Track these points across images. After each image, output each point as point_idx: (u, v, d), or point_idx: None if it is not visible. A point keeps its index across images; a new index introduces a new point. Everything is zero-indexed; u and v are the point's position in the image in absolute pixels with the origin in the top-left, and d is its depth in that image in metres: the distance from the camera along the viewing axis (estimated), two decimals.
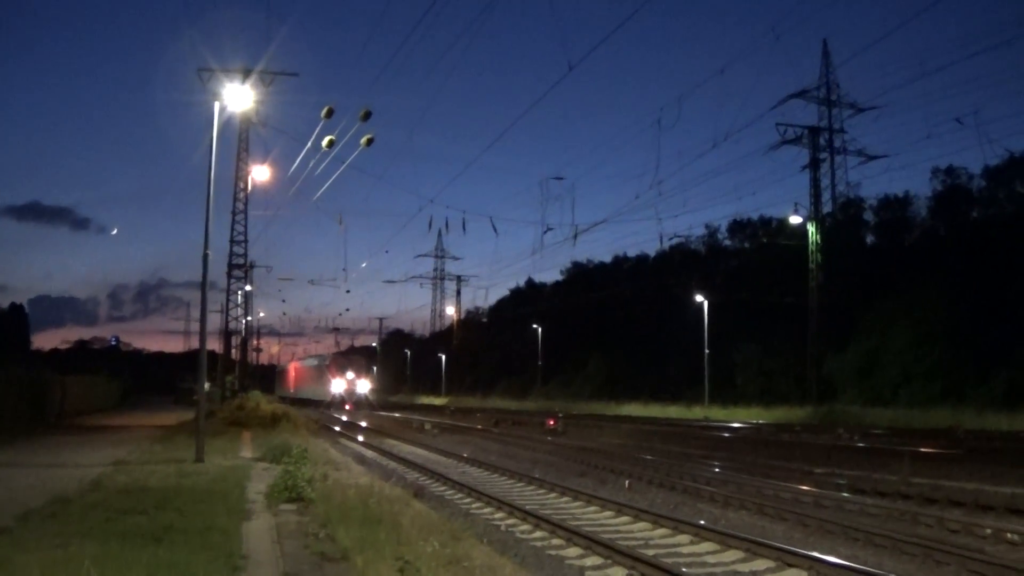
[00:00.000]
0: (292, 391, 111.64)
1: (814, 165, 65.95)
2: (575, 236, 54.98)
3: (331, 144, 32.79)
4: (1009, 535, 14.79)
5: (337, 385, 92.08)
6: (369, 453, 34.25)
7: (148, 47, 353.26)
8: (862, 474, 22.84)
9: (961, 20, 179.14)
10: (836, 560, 12.37)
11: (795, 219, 64.55)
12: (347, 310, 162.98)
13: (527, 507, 18.02)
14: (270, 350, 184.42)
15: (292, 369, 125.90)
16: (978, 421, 43.88)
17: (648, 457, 30.07)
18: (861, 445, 32.06)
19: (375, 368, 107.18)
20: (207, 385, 35.23)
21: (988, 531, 15.24)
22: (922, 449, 28.13)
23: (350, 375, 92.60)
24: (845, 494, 20.30)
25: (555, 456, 31.99)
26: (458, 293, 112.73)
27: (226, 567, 10.22)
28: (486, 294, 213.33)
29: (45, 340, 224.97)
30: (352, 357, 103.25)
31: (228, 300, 64.86)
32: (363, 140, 31.44)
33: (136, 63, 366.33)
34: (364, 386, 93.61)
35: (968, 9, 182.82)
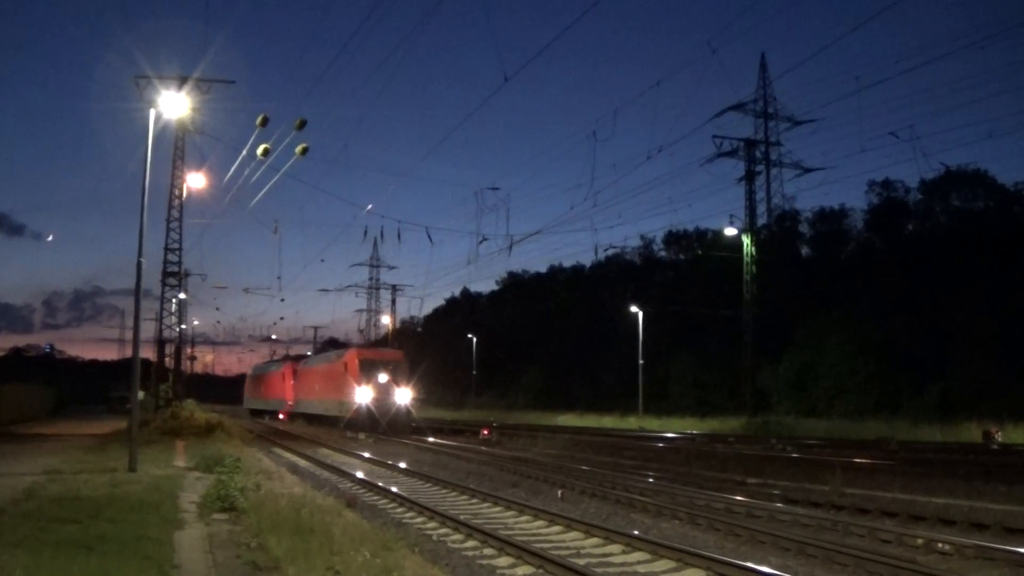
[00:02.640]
0: (289, 403, 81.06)
1: (750, 177, 66.46)
2: (510, 247, 55.12)
3: (266, 153, 32.84)
4: (941, 545, 15.03)
5: (362, 394, 57.20)
6: (302, 463, 34.16)
7: (84, 54, 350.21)
8: (795, 485, 23.13)
9: (897, 36, 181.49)
10: (767, 570, 12.48)
11: (730, 231, 65.00)
12: (281, 319, 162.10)
13: (460, 517, 18.05)
14: (204, 359, 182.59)
15: (286, 373, 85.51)
16: (912, 433, 44.44)
17: (582, 467, 30.25)
18: (795, 456, 32.37)
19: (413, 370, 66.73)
20: (140, 394, 35.06)
21: (920, 541, 15.46)
22: (855, 460, 28.47)
23: (383, 378, 58.22)
24: (778, 504, 20.50)
25: (489, 466, 32.05)
26: (393, 302, 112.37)
27: None
28: (421, 304, 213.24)
29: None
30: (385, 352, 66.09)
31: (162, 308, 64.49)
32: (298, 149, 31.59)
33: (73, 70, 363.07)
34: (404, 395, 58.70)
35: (904, 25, 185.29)
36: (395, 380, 57.98)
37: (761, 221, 68.56)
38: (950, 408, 49.30)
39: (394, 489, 23.58)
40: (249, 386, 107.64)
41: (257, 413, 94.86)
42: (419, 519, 18.78)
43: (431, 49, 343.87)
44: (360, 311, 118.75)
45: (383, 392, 57.06)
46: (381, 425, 55.30)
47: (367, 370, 57.78)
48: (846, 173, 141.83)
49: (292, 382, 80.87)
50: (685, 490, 23.12)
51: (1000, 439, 39.02)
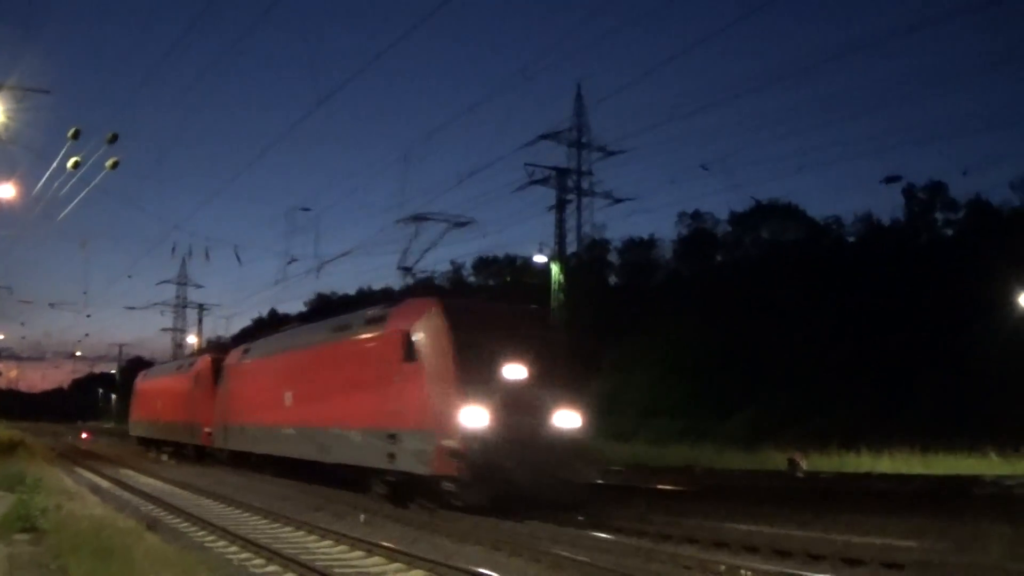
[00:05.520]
0: (207, 429, 44.49)
1: (560, 206, 67.24)
2: (319, 267, 54.63)
3: (76, 165, 32.51)
4: (743, 572, 15.38)
5: (473, 416, 22.31)
6: (104, 483, 33.77)
7: None
8: (599, 510, 23.52)
9: (709, 69, 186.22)
10: None
11: (540, 258, 65.75)
12: (87, 335, 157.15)
13: (261, 540, 18.23)
14: (9, 374, 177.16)
15: (202, 372, 47.90)
16: (718, 459, 45.48)
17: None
18: (600, 482, 33.05)
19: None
20: None
21: (723, 567, 15.75)
22: (660, 487, 29.17)
23: (517, 371, 23.47)
24: (582, 530, 20.77)
25: (293, 490, 31.90)
26: (200, 321, 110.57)
27: None
28: (227, 323, 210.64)
29: None
30: (512, 311, 26.95)
31: None
32: (108, 163, 31.33)
33: None
34: (572, 419, 23.63)
35: (716, 58, 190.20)
36: (546, 377, 24.08)
37: (571, 249, 69.44)
38: (755, 435, 50.60)
39: (196, 512, 23.60)
40: (138, 401, 66.77)
41: (150, 443, 59.88)
42: (221, 542, 18.83)
43: (248, 67, 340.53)
44: (166, 329, 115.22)
45: (523, 406, 23.35)
46: (523, 486, 22.36)
47: (475, 345, 23.71)
48: (658, 203, 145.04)
49: (225, 386, 42.27)
50: (488, 516, 22.89)
51: (805, 466, 40.10)
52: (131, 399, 69.98)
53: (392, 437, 24.84)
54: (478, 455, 22.02)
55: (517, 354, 23.78)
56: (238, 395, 40.48)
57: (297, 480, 33.63)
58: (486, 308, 28.58)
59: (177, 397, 52.02)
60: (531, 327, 25.76)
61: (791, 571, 15.21)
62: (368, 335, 28.24)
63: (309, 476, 32.27)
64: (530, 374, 23.73)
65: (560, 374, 24.41)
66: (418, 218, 33.53)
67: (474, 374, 22.97)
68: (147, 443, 59.96)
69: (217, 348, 60.68)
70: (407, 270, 35.72)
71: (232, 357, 43.51)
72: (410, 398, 24.36)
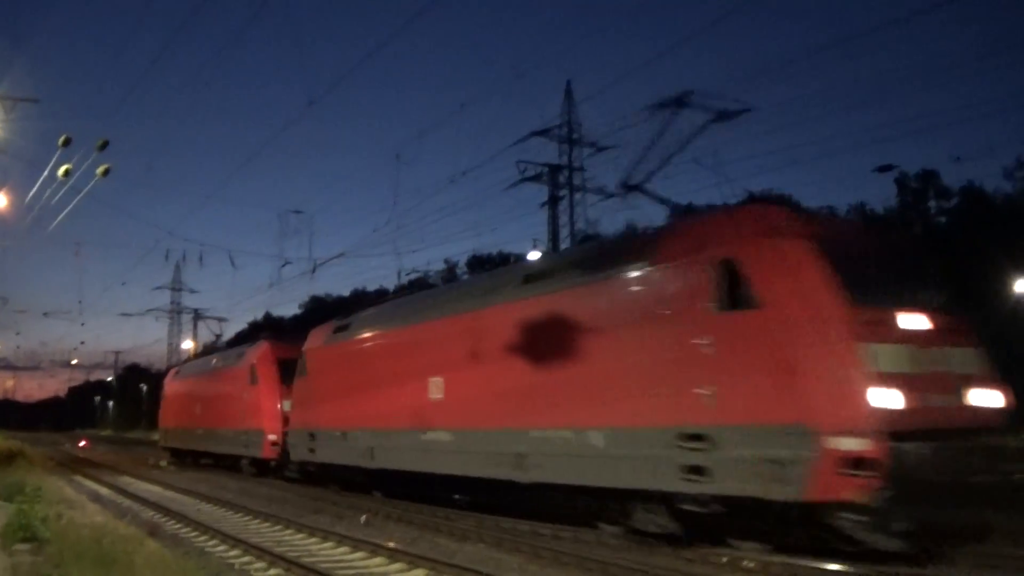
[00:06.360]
0: (272, 437, 36.40)
1: (553, 202, 67.13)
2: (313, 269, 54.26)
3: (67, 173, 32.46)
4: (745, 562, 15.16)
5: (886, 398, 13.46)
6: (104, 491, 33.70)
7: None
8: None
9: (698, 63, 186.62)
10: None
11: (534, 255, 65.58)
12: (82, 343, 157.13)
13: (262, 544, 18.19)
14: (4, 384, 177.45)
15: (261, 360, 38.63)
16: None
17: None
18: None
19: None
20: None
21: (725, 559, 15.57)
22: None
23: (919, 324, 14.70)
24: (583, 527, 20.14)
25: (292, 493, 31.85)
26: (195, 326, 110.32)
27: None
28: (223, 327, 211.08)
29: None
30: (889, 237, 20.20)
31: None
32: (99, 170, 31.28)
33: None
34: (993, 397, 14.95)
35: (705, 53, 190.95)
36: (953, 334, 15.23)
37: (565, 245, 69.40)
38: None
39: (196, 517, 23.55)
40: (169, 405, 55.24)
41: (184, 455, 50.24)
42: (221, 547, 18.82)
43: (237, 72, 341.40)
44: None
45: (936, 380, 14.39)
46: (958, 508, 13.85)
47: (863, 282, 14.70)
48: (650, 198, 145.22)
49: (308, 378, 32.49)
50: (491, 514, 22.93)
51: None
52: (160, 403, 57.87)
53: (696, 439, 15.61)
54: (905, 463, 13.22)
55: (915, 298, 15.40)
56: (334, 388, 30.31)
57: (302, 486, 33.46)
58: (851, 225, 20.21)
59: (223, 398, 42.68)
60: (915, 257, 17.49)
61: (794, 561, 14.86)
62: (612, 277, 18.21)
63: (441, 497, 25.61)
64: (935, 329, 15.00)
65: (964, 328, 15.67)
66: (679, 102, 21.37)
67: (871, 329, 14.16)
68: (183, 455, 49.94)
69: (271, 330, 53.38)
70: (634, 188, 21.25)
71: (316, 339, 33.28)
72: (743, 370, 15.01)
